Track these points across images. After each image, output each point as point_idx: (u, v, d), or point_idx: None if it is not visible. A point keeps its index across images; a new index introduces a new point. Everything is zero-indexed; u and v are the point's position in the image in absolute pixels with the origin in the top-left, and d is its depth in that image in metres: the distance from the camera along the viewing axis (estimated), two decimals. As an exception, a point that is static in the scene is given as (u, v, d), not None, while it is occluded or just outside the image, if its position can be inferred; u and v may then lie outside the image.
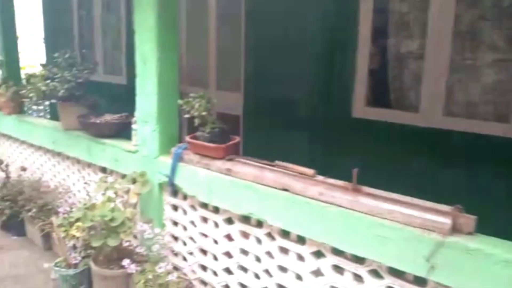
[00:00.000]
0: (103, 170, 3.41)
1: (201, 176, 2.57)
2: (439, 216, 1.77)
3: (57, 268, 2.91)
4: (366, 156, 3.07)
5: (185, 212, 2.84)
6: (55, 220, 2.93)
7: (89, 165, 3.51)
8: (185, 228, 2.87)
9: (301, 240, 2.22)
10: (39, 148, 4.05)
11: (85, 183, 3.33)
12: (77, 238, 2.83)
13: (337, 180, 2.11)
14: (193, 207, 2.78)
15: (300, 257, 2.24)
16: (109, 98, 4.64)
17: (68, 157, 3.72)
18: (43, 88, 3.16)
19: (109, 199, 2.89)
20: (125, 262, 2.60)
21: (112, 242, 2.70)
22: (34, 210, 3.59)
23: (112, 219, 2.67)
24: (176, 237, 2.94)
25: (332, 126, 3.51)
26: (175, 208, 2.91)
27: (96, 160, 3.33)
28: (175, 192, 2.82)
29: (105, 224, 2.73)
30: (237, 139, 2.59)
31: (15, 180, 3.92)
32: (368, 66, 3.26)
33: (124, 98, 3.67)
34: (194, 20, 4.80)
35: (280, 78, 3.91)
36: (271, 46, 3.92)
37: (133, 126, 3.02)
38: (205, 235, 2.73)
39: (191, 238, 2.83)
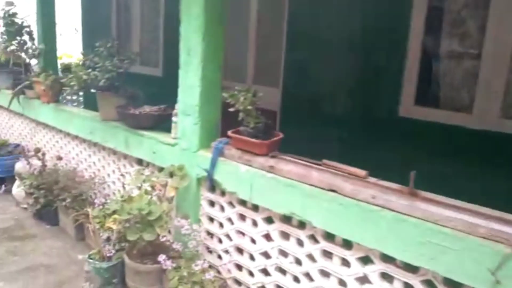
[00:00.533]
0: (139, 162, 3.39)
1: (242, 173, 2.50)
2: (507, 226, 1.64)
3: (90, 260, 2.90)
4: (413, 157, 2.93)
5: (222, 209, 2.78)
6: (91, 212, 2.92)
7: (125, 156, 3.50)
8: (221, 225, 2.81)
9: (347, 244, 2.11)
10: (75, 137, 4.08)
11: (121, 174, 3.32)
12: (112, 230, 2.82)
13: (391, 183, 2.00)
14: (231, 203, 2.72)
15: (345, 262, 2.14)
16: (144, 90, 4.61)
17: (104, 148, 3.72)
18: (85, 77, 3.16)
19: (146, 192, 2.87)
20: (161, 257, 2.56)
21: (147, 236, 2.67)
22: (68, 200, 3.61)
23: (149, 213, 2.63)
24: (212, 234, 2.89)
25: (375, 125, 3.38)
26: (212, 204, 2.86)
27: (133, 152, 3.32)
28: (213, 187, 2.77)
29: (142, 218, 2.70)
30: (280, 135, 2.51)
31: (50, 169, 3.96)
32: (419, 64, 3.11)
33: (159, 90, 3.66)
34: (234, 13, 4.73)
35: (321, 75, 3.81)
36: (313, 41, 3.82)
37: (173, 118, 2.98)
38: (242, 233, 2.66)
39: (227, 236, 2.77)
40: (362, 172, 2.03)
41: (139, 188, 2.99)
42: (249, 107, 2.33)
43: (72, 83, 3.20)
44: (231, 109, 2.44)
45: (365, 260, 2.06)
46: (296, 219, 2.32)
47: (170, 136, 3.05)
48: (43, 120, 4.47)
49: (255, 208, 2.55)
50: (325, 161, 2.19)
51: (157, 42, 5.70)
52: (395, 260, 1.93)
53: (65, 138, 4.26)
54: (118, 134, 3.40)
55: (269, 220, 2.50)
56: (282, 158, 2.38)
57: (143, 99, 3.58)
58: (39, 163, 4.07)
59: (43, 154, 3.87)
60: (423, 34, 3.10)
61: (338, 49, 3.66)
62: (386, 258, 1.96)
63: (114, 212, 2.82)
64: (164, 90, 3.72)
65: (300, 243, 2.34)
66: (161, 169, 3.17)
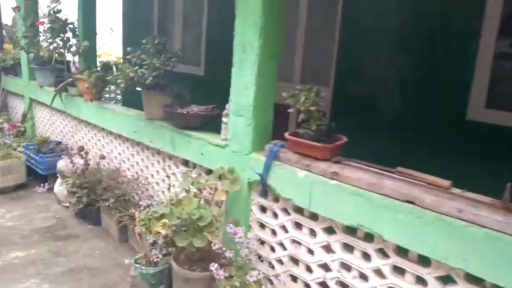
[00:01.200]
0: (185, 163, 3.29)
1: (300, 178, 2.34)
2: None
3: (137, 265, 2.81)
4: (484, 165, 2.70)
5: (275, 216, 2.63)
6: (137, 214, 2.83)
7: (170, 157, 3.40)
8: (274, 233, 2.66)
9: (423, 261, 1.92)
10: (118, 136, 4.02)
11: (166, 176, 3.22)
12: (160, 235, 2.72)
13: (480, 195, 1.79)
14: (285, 210, 2.57)
15: (421, 280, 1.94)
16: (186, 88, 4.54)
17: (148, 148, 3.64)
18: (131, 74, 3.08)
19: (195, 195, 2.75)
20: (213, 266, 2.43)
21: (198, 243, 2.55)
22: (111, 200, 3.55)
23: (200, 218, 2.51)
24: (263, 241, 2.74)
25: (439, 129, 3.14)
26: (263, 209, 2.71)
27: (179, 153, 3.21)
28: (265, 192, 2.62)
29: (191, 223, 2.58)
30: (344, 139, 2.33)
31: (93, 168, 3.92)
32: (491, 64, 2.86)
33: (200, 89, 3.55)
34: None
35: (377, 75, 3.61)
36: (369, 40, 3.62)
37: (223, 119, 2.85)
38: (298, 243, 2.50)
39: (281, 244, 2.62)
40: (444, 182, 1.83)
41: (187, 191, 2.89)
42: (312, 108, 2.17)
43: (118, 81, 3.11)
44: (290, 110, 2.28)
45: (446, 279, 1.86)
46: (361, 231, 2.14)
47: (219, 137, 2.92)
48: (85, 118, 4.45)
49: (314, 216, 2.38)
50: (399, 168, 2.00)
51: (199, 40, 5.60)
52: (483, 282, 1.72)
53: (107, 137, 4.21)
54: (164, 134, 3.30)
55: (329, 231, 2.33)
56: (347, 164, 2.20)
57: (188, 98, 3.48)
58: (81, 161, 4.03)
59: (86, 153, 3.83)
60: (496, 34, 2.85)
61: (397, 48, 3.45)
62: (473, 279, 1.75)
63: (162, 216, 2.71)
64: (206, 89, 3.63)
65: (366, 257, 2.16)
66: (209, 171, 3.05)
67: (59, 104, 4.76)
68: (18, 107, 6.51)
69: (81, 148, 3.78)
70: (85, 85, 4.00)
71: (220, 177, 2.75)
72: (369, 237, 2.13)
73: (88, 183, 3.82)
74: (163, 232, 2.54)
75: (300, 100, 2.20)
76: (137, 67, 3.13)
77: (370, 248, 2.13)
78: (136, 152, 3.83)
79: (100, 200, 3.75)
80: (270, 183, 2.53)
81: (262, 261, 2.72)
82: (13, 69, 6.17)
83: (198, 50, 5.65)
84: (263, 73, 2.52)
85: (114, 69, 4.99)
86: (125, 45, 7.05)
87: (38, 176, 4.68)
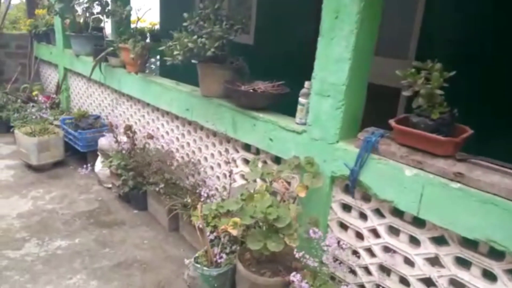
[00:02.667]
0: (246, 147, 2.92)
1: (408, 177, 1.93)
2: None
3: (198, 265, 2.49)
4: None
5: (362, 217, 2.26)
6: (200, 208, 2.49)
7: (229, 139, 3.03)
8: (359, 236, 2.30)
9: None
10: (166, 113, 3.67)
11: (227, 162, 2.86)
12: (226, 233, 2.39)
13: None
14: (378, 212, 2.18)
15: None
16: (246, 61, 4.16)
17: (202, 128, 3.28)
18: (190, 45, 2.68)
19: (267, 189, 2.38)
20: (295, 277, 2.08)
21: (273, 246, 2.20)
22: (161, 185, 3.23)
23: (277, 219, 2.15)
24: (343, 244, 2.37)
25: None
26: (346, 208, 2.34)
27: (241, 136, 2.84)
28: (353, 190, 2.23)
29: (266, 223, 2.23)
30: (468, 130, 1.90)
31: (139, 148, 3.60)
32: None
33: (249, 60, 3.12)
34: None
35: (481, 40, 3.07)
36: None
37: (301, 99, 2.45)
38: (393, 250, 2.12)
39: (369, 250, 2.25)
40: None
41: (254, 181, 2.53)
42: (436, 91, 1.73)
43: (175, 53, 2.72)
44: (405, 93, 1.85)
45: None
46: (485, 246, 1.75)
47: (293, 121, 2.52)
48: (128, 91, 4.11)
49: (419, 223, 1.99)
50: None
51: (248, 4, 5.12)
52: None
53: (153, 113, 3.87)
54: (223, 113, 2.93)
55: (438, 241, 1.94)
56: (476, 163, 1.77)
57: (249, 73, 3.07)
58: (124, 139, 3.71)
59: (134, 132, 3.49)
60: None
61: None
62: None
63: (229, 211, 2.37)
64: (255, 60, 3.19)
65: (492, 277, 1.77)
66: (275, 159, 2.69)
67: (98, 76, 4.44)
68: (51, 77, 6.24)
69: (128, 127, 3.45)
70: (130, 55, 3.63)
71: (295, 169, 2.38)
72: (498, 255, 1.73)
73: (135, 165, 3.51)
74: (235, 232, 2.19)
75: (418, 81, 1.76)
76: (195, 36, 2.72)
77: (497, 267, 1.73)
78: (187, 132, 3.47)
79: (147, 184, 3.45)
80: (362, 180, 2.13)
81: (340, 264, 2.36)
82: (46, 36, 5.86)
83: (247, 17, 5.17)
84: (360, 46, 2.08)
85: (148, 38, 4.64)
86: (163, 10, 6.64)
87: (76, 152, 4.42)
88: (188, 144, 3.49)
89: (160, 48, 2.93)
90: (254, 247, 2.22)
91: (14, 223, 3.22)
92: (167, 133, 3.72)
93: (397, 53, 3.75)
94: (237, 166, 3.00)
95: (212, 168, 3.28)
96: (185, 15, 2.89)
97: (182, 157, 3.57)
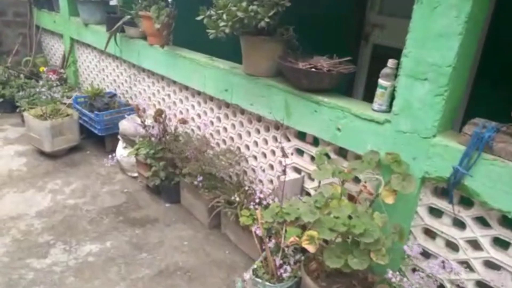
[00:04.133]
0: (301, 136, 2.54)
1: (538, 184, 1.56)
2: None
3: (258, 280, 2.16)
4: None
5: (457, 224, 1.91)
6: (259, 213, 2.14)
7: (277, 126, 2.65)
8: (450, 246, 1.96)
9: None
10: (198, 93, 3.26)
11: (283, 154, 2.48)
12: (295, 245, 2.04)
13: None
14: (480, 220, 1.83)
15: None
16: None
17: (243, 111, 2.89)
18: (240, 14, 2.24)
19: (343, 192, 2.02)
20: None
21: (355, 264, 1.86)
22: (200, 178, 2.87)
23: (363, 233, 1.79)
24: (429, 255, 2.04)
25: None
26: (434, 213, 1.99)
27: (296, 123, 2.45)
28: (452, 194, 1.86)
29: (349, 236, 1.88)
30: None
31: (171, 134, 3.21)
32: None
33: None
34: None
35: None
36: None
37: (383, 81, 2.04)
38: (498, 266, 1.79)
39: (466, 263, 1.91)
40: None
41: (319, 182, 2.17)
42: None
43: (221, 24, 2.28)
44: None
45: None
46: None
47: (369, 108, 2.13)
48: (149, 66, 3.68)
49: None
50: None
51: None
52: None
53: (180, 93, 3.46)
54: (273, 96, 2.53)
55: None
56: None
57: (300, 46, 2.64)
58: (152, 124, 3.31)
59: (165, 117, 3.09)
60: None
61: None
62: None
63: (297, 219, 2.02)
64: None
65: None
66: (340, 152, 2.32)
67: (112, 48, 3.99)
68: (55, 48, 5.76)
69: (159, 112, 3.04)
70: (155, 25, 3.17)
71: (375, 167, 2.01)
72: None
73: (166, 154, 3.14)
74: (312, 249, 1.84)
75: None
76: (245, 3, 2.28)
77: None
78: (224, 116, 3.08)
79: (180, 175, 3.09)
80: (467, 184, 1.76)
81: (422, 277, 2.03)
82: (48, 2, 5.34)
83: None
84: (474, 16, 1.66)
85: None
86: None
87: (92, 135, 4.03)
88: (225, 129, 3.10)
89: (199, 18, 2.49)
90: (333, 265, 1.88)
91: (35, 224, 2.89)
92: (199, 116, 3.32)
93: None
94: (287, 157, 2.63)
95: (255, 158, 2.91)
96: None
97: (218, 144, 3.19)
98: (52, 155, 3.82)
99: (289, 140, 2.63)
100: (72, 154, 3.95)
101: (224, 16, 2.28)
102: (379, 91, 2.07)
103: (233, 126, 3.03)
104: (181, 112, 3.50)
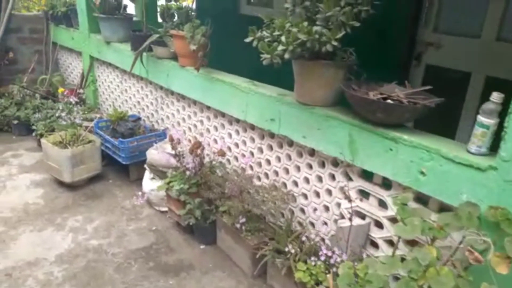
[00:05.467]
0: (367, 175, 2.18)
1: None
2: None
3: None
4: None
5: None
6: (331, 280, 1.77)
7: (336, 162, 2.29)
8: None
9: None
10: (237, 121, 2.92)
11: (347, 198, 2.11)
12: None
13: None
14: None
15: None
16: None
17: (291, 143, 2.53)
18: (303, 37, 1.89)
19: (438, 256, 1.64)
20: None
21: None
22: (242, 219, 2.51)
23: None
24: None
25: None
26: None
27: (364, 161, 2.09)
28: None
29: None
30: None
31: (207, 167, 2.86)
32: None
33: None
34: None
35: None
36: None
37: (483, 118, 1.67)
38: None
39: None
40: None
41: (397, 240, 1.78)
42: None
43: (279, 49, 1.93)
44: None
45: None
46: None
47: (464, 149, 1.76)
48: (180, 90, 3.34)
49: None
50: None
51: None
52: None
53: (216, 119, 3.12)
54: (333, 129, 2.17)
55: None
56: None
57: (361, 72, 2.28)
58: (191, 160, 2.97)
59: (203, 149, 2.75)
60: None
61: None
62: None
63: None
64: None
65: None
66: (418, 199, 1.95)
67: (138, 69, 3.67)
68: (72, 66, 5.48)
69: (197, 145, 2.70)
70: (190, 46, 2.83)
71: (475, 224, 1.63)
72: None
73: (202, 189, 2.79)
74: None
75: None
76: (306, 23, 1.93)
77: None
78: (267, 147, 2.73)
79: (217, 213, 2.74)
80: None
81: None
82: (66, 18, 5.06)
83: None
84: None
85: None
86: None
87: (113, 161, 3.70)
88: (268, 161, 2.74)
89: (248, 40, 2.14)
90: None
91: (54, 272, 2.53)
92: (236, 145, 2.97)
93: None
94: (351, 201, 2.26)
95: (305, 196, 2.55)
96: (286, -7, 2.09)
97: (259, 177, 2.84)
98: (71, 186, 3.48)
99: (351, 179, 2.27)
100: (93, 184, 3.61)
101: (283, 39, 1.93)
102: (479, 130, 1.70)
103: (278, 159, 2.67)
104: (215, 141, 3.15)
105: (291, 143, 2.55)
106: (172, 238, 2.94)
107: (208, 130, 3.23)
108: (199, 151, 2.71)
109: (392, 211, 2.08)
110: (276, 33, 1.99)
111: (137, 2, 4.22)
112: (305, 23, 1.94)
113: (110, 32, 4.10)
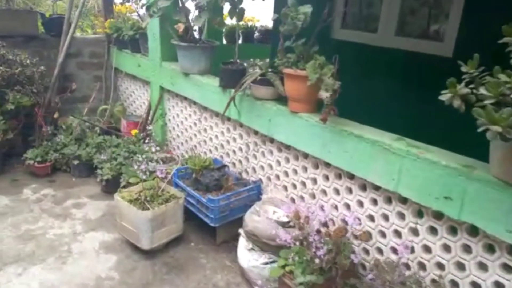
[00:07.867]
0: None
1: None
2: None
3: None
4: None
5: None
6: None
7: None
8: None
9: None
10: (375, 188, 2.23)
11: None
12: None
13: None
14: None
15: None
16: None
17: (477, 232, 1.82)
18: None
19: None
20: None
21: None
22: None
23: None
24: None
25: None
26: None
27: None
28: None
29: None
30: None
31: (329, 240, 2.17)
32: None
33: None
34: None
35: None
36: None
37: None
38: None
39: None
40: None
41: None
42: None
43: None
44: None
45: None
46: None
47: None
48: (287, 140, 2.70)
49: None
50: None
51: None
52: None
53: (339, 181, 2.44)
54: None
55: None
56: None
57: None
58: (281, 215, 2.30)
59: (346, 232, 2.07)
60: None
61: None
62: None
63: None
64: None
65: None
66: None
67: (223, 107, 3.05)
68: (135, 95, 4.95)
69: (342, 232, 2.04)
70: (321, 93, 2.19)
71: None
72: None
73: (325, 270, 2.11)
74: None
75: None
76: None
77: None
78: (428, 230, 2.02)
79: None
80: None
81: None
82: (132, 43, 4.55)
83: (438, 15, 3.64)
84: None
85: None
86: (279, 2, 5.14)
87: (194, 218, 3.08)
88: (427, 248, 2.03)
89: (445, 99, 1.46)
90: None
91: None
92: (371, 218, 2.29)
93: None
94: None
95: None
96: None
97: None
98: (149, 252, 2.88)
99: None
100: (172, 249, 2.98)
101: (489, 90, 1.25)
102: None
103: (447, 248, 1.96)
104: (335, 207, 2.48)
105: (474, 232, 1.84)
106: None
107: (324, 192, 2.56)
108: (328, 231, 2.03)
109: None
110: (493, 99, 1.30)
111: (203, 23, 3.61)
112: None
113: (190, 63, 3.51)
